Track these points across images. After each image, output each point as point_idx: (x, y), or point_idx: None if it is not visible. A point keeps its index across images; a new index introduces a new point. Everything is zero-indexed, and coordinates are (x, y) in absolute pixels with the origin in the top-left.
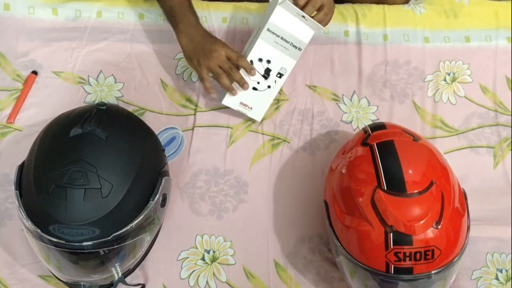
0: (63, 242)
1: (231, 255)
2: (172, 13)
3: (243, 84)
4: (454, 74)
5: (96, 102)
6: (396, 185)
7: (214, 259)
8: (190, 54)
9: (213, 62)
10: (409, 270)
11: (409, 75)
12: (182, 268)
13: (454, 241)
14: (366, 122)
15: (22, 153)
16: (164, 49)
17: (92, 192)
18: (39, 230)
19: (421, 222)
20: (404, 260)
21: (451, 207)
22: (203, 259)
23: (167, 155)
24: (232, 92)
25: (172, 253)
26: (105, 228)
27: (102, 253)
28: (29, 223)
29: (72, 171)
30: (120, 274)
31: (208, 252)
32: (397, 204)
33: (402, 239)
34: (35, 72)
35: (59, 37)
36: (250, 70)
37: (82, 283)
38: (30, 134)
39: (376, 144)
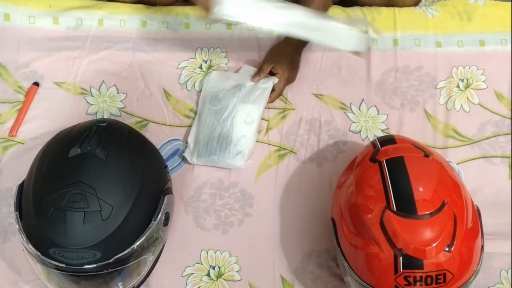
0: (64, 265)
1: (237, 271)
2: None
3: None
4: (467, 80)
5: (98, 113)
6: (406, 206)
7: (219, 275)
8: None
9: None
10: None
11: (420, 81)
12: (187, 285)
13: (467, 264)
14: (375, 131)
15: (25, 167)
16: (167, 58)
17: (91, 215)
18: (39, 253)
19: (433, 245)
20: (415, 284)
21: (464, 228)
22: (208, 275)
23: (170, 168)
24: None
25: (177, 269)
26: (106, 251)
27: (104, 274)
28: (29, 246)
29: (71, 194)
30: None
31: (214, 268)
32: (407, 226)
33: (412, 263)
34: (36, 84)
35: (60, 47)
36: None
37: None
38: (32, 147)
39: (386, 160)
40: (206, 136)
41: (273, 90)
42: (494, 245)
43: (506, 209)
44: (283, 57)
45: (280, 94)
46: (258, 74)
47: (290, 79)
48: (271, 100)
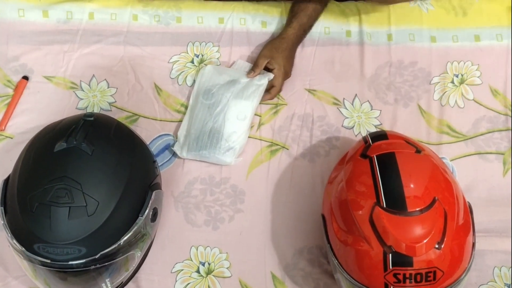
0: (49, 261)
1: (227, 268)
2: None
3: None
4: (462, 75)
5: (88, 108)
6: (396, 203)
7: (209, 272)
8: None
9: None
10: None
11: (414, 77)
12: (176, 281)
13: (458, 261)
14: (368, 127)
15: (13, 162)
16: (159, 52)
17: (77, 210)
18: (24, 249)
19: (423, 242)
20: (404, 282)
21: (455, 225)
22: (198, 271)
23: (160, 163)
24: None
25: (166, 265)
26: (91, 247)
27: (91, 270)
28: (14, 241)
29: (56, 189)
30: None
31: (203, 264)
32: (397, 223)
33: (402, 260)
34: (26, 77)
35: (50, 40)
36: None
37: None
38: (21, 142)
39: (376, 156)
40: (197, 130)
41: (272, 86)
42: (487, 243)
43: (500, 206)
44: (279, 52)
45: (280, 90)
46: (253, 69)
47: (287, 74)
48: (271, 96)
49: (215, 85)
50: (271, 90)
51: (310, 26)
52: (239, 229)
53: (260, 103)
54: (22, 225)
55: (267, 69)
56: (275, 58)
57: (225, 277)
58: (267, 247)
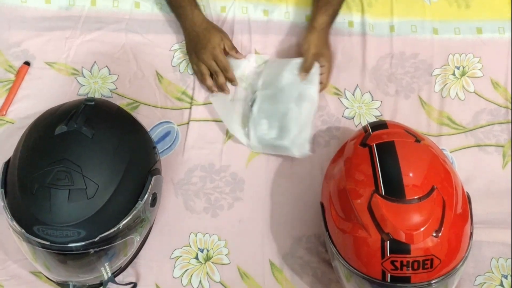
0: (48, 243)
1: (226, 255)
2: (177, 10)
3: (224, 90)
4: (463, 68)
5: (89, 94)
6: (395, 190)
7: (208, 258)
8: (188, 48)
9: (207, 54)
10: (406, 279)
11: (415, 68)
12: (175, 267)
13: (455, 250)
14: (369, 118)
15: (14, 147)
16: (160, 40)
17: (76, 193)
18: (23, 231)
19: (420, 230)
20: (401, 269)
21: (453, 213)
22: (196, 258)
23: (161, 150)
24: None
25: (165, 251)
26: (91, 230)
27: (90, 253)
28: (13, 223)
29: (56, 171)
30: (109, 274)
31: (202, 251)
32: (395, 210)
33: (399, 247)
34: (27, 63)
35: (52, 27)
36: (234, 82)
37: (71, 283)
38: (22, 127)
39: (376, 145)
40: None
41: (320, 83)
42: (485, 234)
43: (499, 198)
44: (326, 47)
45: (326, 87)
46: (305, 71)
47: (332, 67)
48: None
49: (279, 80)
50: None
51: (338, 11)
52: (238, 216)
53: None
54: (22, 207)
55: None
56: (324, 55)
57: (224, 264)
58: (266, 235)
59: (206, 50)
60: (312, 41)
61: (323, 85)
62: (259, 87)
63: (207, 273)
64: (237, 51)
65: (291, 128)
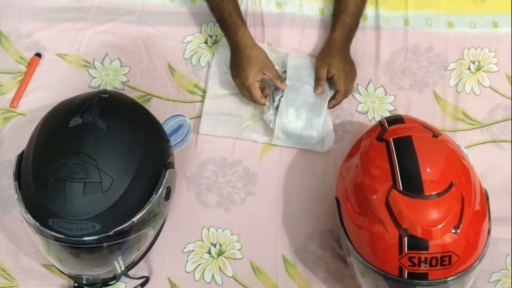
0: (63, 236)
1: (238, 249)
2: (223, 30)
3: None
4: (479, 62)
5: (101, 87)
6: (413, 186)
7: (220, 253)
8: (231, 70)
9: (240, 84)
10: (423, 276)
11: (430, 63)
12: (187, 261)
13: (473, 246)
14: (382, 112)
15: (25, 139)
16: (172, 32)
17: (91, 186)
18: (38, 224)
19: (439, 226)
20: (419, 266)
21: (471, 210)
22: (209, 252)
23: (173, 144)
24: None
25: (177, 246)
26: (105, 223)
27: (104, 247)
28: (28, 216)
29: (71, 164)
30: (123, 268)
31: (215, 246)
32: (414, 206)
33: (418, 243)
34: (38, 55)
35: (63, 18)
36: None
37: (84, 277)
38: (33, 119)
39: (393, 139)
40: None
41: (337, 91)
42: (500, 230)
43: None
44: (332, 57)
45: (345, 93)
46: (319, 84)
47: (349, 76)
48: (337, 102)
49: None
50: (336, 96)
51: (356, 24)
52: (251, 211)
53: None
54: (36, 200)
55: (328, 78)
56: (331, 65)
57: (236, 259)
58: (279, 230)
59: (240, 80)
60: (319, 56)
61: (339, 93)
62: (283, 77)
63: (219, 267)
64: (282, 81)
65: (319, 120)
